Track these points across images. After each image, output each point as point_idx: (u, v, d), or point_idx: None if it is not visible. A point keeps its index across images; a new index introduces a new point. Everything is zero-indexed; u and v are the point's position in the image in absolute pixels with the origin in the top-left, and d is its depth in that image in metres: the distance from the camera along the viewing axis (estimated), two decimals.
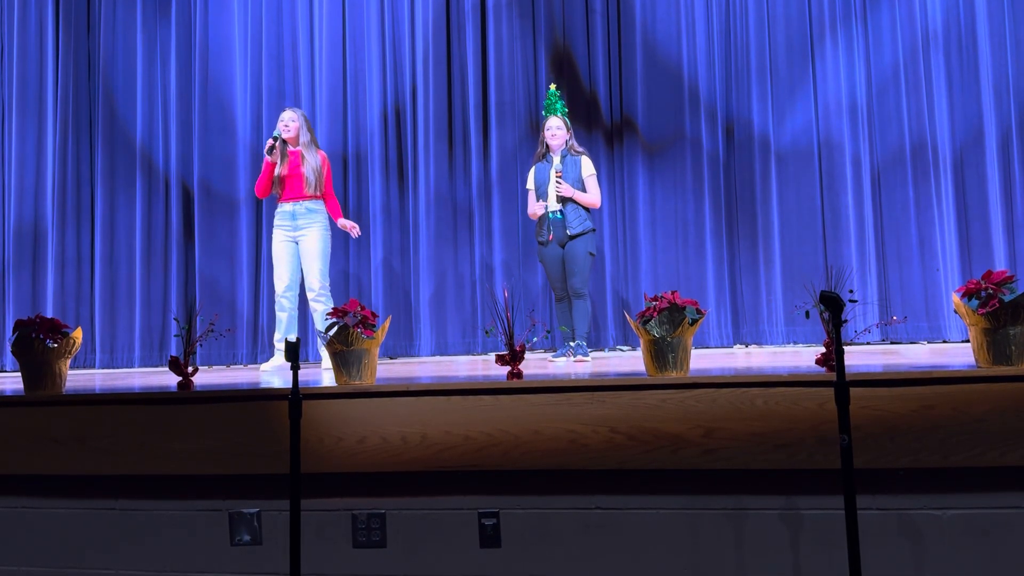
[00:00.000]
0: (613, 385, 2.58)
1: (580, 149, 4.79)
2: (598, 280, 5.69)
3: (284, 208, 4.77)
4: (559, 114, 4.80)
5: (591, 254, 4.67)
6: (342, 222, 4.84)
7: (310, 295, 4.75)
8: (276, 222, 4.81)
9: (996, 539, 2.39)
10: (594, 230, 4.71)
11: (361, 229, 5.83)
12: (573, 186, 4.64)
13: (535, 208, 4.76)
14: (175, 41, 6.13)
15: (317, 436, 2.67)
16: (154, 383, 3.94)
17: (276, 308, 4.79)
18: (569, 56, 5.83)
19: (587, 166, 4.72)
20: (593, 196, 4.70)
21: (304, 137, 4.77)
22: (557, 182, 4.61)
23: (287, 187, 4.75)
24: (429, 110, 5.86)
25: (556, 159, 4.72)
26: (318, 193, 4.75)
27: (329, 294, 4.79)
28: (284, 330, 4.73)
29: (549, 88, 4.97)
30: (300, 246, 4.75)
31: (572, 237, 4.61)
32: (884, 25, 5.45)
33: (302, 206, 4.73)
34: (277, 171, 4.76)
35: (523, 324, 4.64)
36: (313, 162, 4.73)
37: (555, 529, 2.63)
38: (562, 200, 4.62)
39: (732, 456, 2.47)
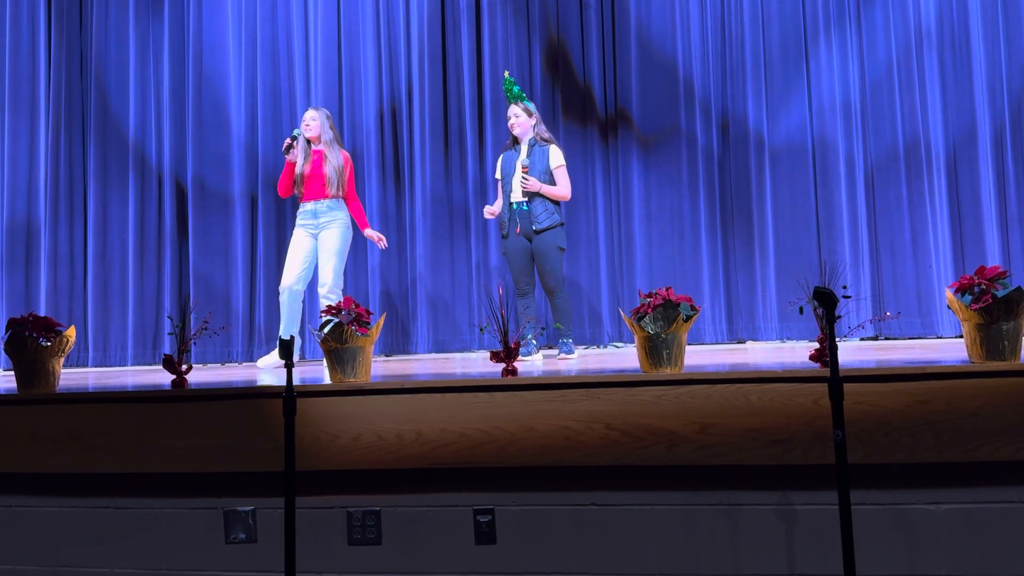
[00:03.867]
0: (608, 381, 2.59)
1: (547, 136, 4.63)
2: (593, 276, 5.69)
3: (306, 207, 4.81)
4: (517, 100, 4.64)
5: (561, 249, 4.53)
6: (369, 232, 4.86)
7: (321, 290, 4.74)
8: (299, 221, 4.85)
9: (990, 534, 2.40)
10: (562, 224, 4.56)
11: (357, 227, 5.85)
12: (540, 178, 4.48)
13: (493, 208, 4.66)
14: (168, 37, 6.10)
15: (312, 433, 2.67)
16: (148, 381, 3.93)
17: (281, 301, 4.76)
18: (564, 51, 5.82)
19: (555, 156, 4.55)
20: (563, 189, 4.54)
21: (326, 136, 4.79)
22: (524, 178, 4.46)
23: (308, 186, 4.77)
24: (425, 109, 5.85)
25: (524, 149, 4.57)
26: (339, 193, 4.78)
27: (340, 293, 4.77)
28: (289, 323, 4.71)
29: (504, 75, 4.85)
30: (319, 241, 4.77)
31: (539, 232, 4.47)
32: (878, 23, 5.46)
33: (323, 204, 4.76)
34: (299, 170, 4.78)
35: (518, 321, 4.66)
36: (335, 161, 4.75)
37: (550, 526, 2.64)
38: (529, 193, 4.48)
39: (727, 452, 2.47)
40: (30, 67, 6.17)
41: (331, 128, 4.83)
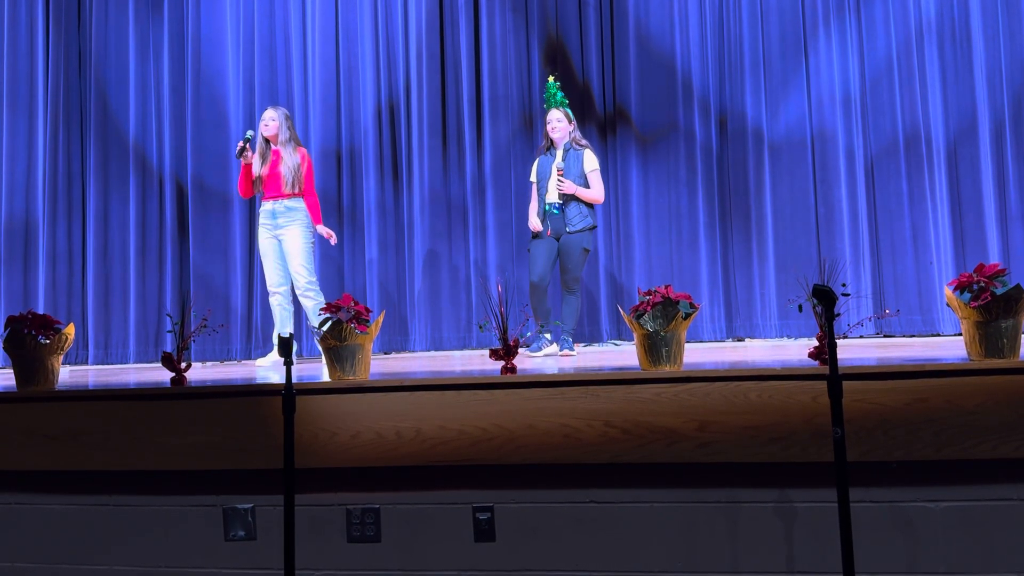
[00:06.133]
0: (607, 379, 2.59)
1: (583, 142, 4.75)
2: (592, 274, 5.69)
3: (265, 207, 4.84)
4: (559, 106, 4.76)
5: (586, 250, 4.65)
6: (321, 228, 4.86)
7: (298, 291, 4.82)
8: (260, 220, 4.87)
9: (989, 531, 2.40)
10: (593, 227, 4.68)
11: (355, 225, 5.86)
12: (575, 181, 4.60)
13: (534, 218, 4.70)
14: (167, 35, 6.09)
15: (311, 431, 2.66)
16: (148, 379, 3.93)
17: (271, 305, 4.86)
18: (562, 48, 5.81)
19: (590, 160, 4.67)
20: (596, 192, 4.66)
21: (283, 135, 4.80)
22: (559, 180, 4.56)
23: (267, 186, 4.81)
24: (423, 106, 5.84)
25: (559, 153, 4.68)
26: (296, 191, 4.78)
27: (317, 288, 4.84)
28: (279, 326, 4.79)
29: (548, 80, 4.95)
30: (283, 243, 4.79)
31: (571, 233, 4.59)
32: (877, 17, 5.45)
33: (281, 204, 4.78)
34: (258, 171, 4.81)
35: (517, 319, 4.65)
36: (291, 161, 4.76)
37: (549, 523, 2.64)
38: (564, 196, 4.59)
39: (726, 449, 2.47)
40: (28, 65, 6.16)
41: (289, 128, 4.85)
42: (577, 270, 4.62)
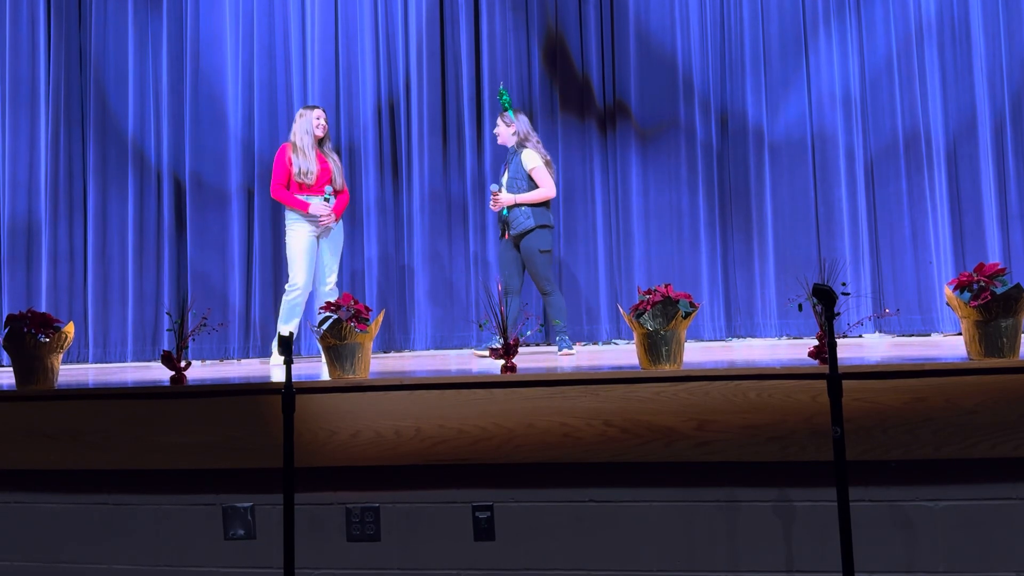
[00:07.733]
0: (606, 378, 2.59)
1: (526, 143, 4.66)
2: (591, 272, 5.68)
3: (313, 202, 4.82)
4: (503, 112, 4.76)
5: (543, 252, 4.56)
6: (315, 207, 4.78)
7: (325, 288, 4.82)
8: (307, 218, 4.78)
9: (987, 530, 2.40)
10: (545, 226, 4.58)
11: (355, 223, 5.86)
12: (523, 185, 4.57)
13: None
14: (166, 34, 6.08)
15: (311, 430, 2.67)
16: (147, 377, 3.94)
17: (296, 301, 4.75)
18: (562, 44, 5.80)
19: (528, 159, 4.59)
20: (541, 192, 4.57)
21: (330, 137, 4.97)
22: (494, 197, 4.59)
23: (320, 182, 4.80)
24: (423, 103, 5.84)
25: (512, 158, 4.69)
26: (343, 189, 4.90)
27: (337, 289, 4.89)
28: (296, 324, 4.76)
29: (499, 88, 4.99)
30: (328, 238, 4.84)
31: (518, 235, 4.56)
32: (877, 16, 5.45)
33: (331, 202, 4.83)
34: (312, 168, 4.79)
35: (516, 318, 4.66)
36: (337, 159, 4.92)
37: (549, 522, 2.64)
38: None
39: (725, 448, 2.48)
40: (30, 64, 6.16)
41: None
42: (543, 271, 4.56)
